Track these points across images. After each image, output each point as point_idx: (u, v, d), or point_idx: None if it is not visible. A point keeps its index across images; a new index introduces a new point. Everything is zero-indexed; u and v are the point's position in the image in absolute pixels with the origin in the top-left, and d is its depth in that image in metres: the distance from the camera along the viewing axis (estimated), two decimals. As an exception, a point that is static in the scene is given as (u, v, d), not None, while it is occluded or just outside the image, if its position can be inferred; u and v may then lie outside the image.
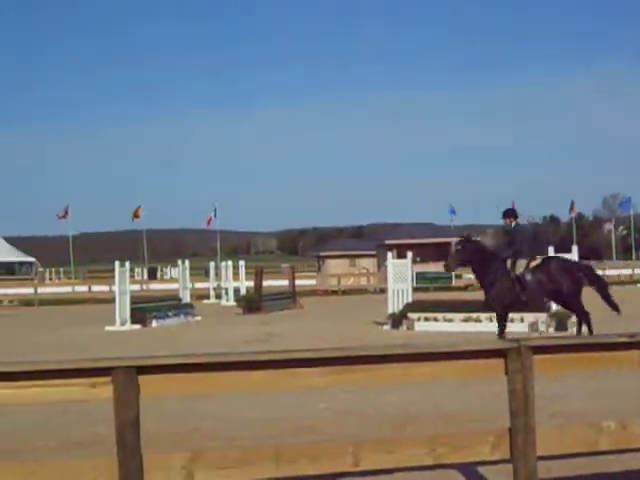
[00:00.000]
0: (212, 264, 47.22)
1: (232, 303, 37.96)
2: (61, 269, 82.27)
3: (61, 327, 27.16)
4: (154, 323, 27.53)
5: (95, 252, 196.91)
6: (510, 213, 17.63)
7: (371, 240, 71.29)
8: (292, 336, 20.95)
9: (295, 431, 9.21)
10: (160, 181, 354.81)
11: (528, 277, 16.98)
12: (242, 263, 42.14)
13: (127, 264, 28.40)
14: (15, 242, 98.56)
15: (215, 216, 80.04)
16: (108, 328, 25.91)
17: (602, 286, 17.41)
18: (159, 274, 78.10)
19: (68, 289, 55.07)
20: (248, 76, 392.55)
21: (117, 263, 27.69)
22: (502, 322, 17.22)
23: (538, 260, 17.44)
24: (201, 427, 9.76)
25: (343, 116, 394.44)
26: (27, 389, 5.36)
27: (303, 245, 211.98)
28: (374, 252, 60.24)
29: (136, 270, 69.23)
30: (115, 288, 27.76)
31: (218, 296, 42.91)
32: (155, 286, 54.67)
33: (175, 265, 42.90)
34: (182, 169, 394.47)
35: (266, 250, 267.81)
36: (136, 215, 60.31)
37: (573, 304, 17.30)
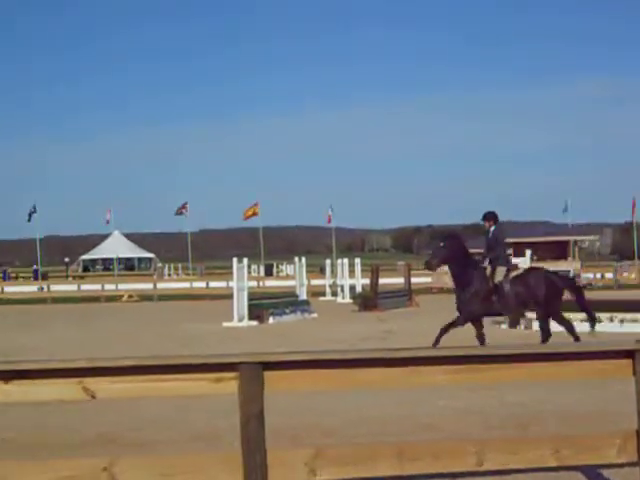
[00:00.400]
0: (328, 261, 47.43)
1: (348, 300, 38.03)
2: (179, 265, 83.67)
3: (180, 322, 27.61)
4: (271, 319, 27.75)
5: (212, 249, 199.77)
6: (490, 216, 16.88)
7: (487, 238, 70.64)
8: (409, 334, 20.90)
9: (414, 429, 9.17)
10: (274, 179, 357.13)
11: (506, 287, 16.30)
12: (358, 261, 42.25)
13: (245, 261, 28.74)
14: (135, 239, 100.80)
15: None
16: (225, 324, 26.22)
17: (581, 298, 16.90)
18: (275, 271, 78.76)
19: (186, 285, 56.00)
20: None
21: (235, 260, 28.03)
22: (455, 326, 16.44)
23: (519, 270, 16.99)
24: (319, 423, 9.81)
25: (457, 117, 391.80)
26: (160, 383, 5.48)
27: (418, 243, 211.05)
28: (490, 250, 59.60)
29: (252, 267, 69.90)
30: (233, 284, 28.08)
31: (334, 293, 43.05)
32: (271, 283, 55.13)
33: (290, 262, 43.15)
34: (297, 167, 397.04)
35: (380, 248, 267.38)
36: (254, 213, 60.84)
37: (554, 316, 16.64)
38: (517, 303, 16.53)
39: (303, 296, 32.48)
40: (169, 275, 77.35)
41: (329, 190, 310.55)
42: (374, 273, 34.24)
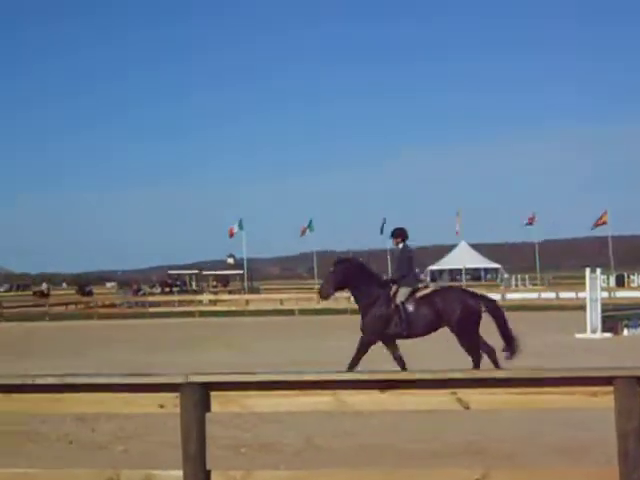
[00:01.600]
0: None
1: None
2: (526, 275, 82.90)
3: (530, 333, 27.34)
4: (625, 332, 26.95)
5: (557, 258, 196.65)
6: (399, 233, 15.76)
7: None
8: None
9: None
10: (629, 186, 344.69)
11: (410, 308, 14.96)
12: None
13: (598, 271, 28.08)
14: (481, 249, 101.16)
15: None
16: (578, 335, 25.76)
17: (501, 319, 15.41)
18: (626, 281, 76.11)
19: (534, 295, 55.41)
20: None
21: (587, 270, 27.48)
22: (363, 351, 15.16)
23: (427, 290, 15.40)
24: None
25: None
26: (536, 395, 5.47)
27: None
28: None
29: (601, 277, 67.91)
30: (585, 295, 27.47)
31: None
32: (622, 294, 53.38)
33: (641, 272, 41.63)
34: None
35: None
36: (603, 222, 59.66)
37: (466, 338, 15.08)
38: (424, 325, 15.28)
39: (658, 308, 31.22)
40: (516, 285, 76.86)
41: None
42: None
